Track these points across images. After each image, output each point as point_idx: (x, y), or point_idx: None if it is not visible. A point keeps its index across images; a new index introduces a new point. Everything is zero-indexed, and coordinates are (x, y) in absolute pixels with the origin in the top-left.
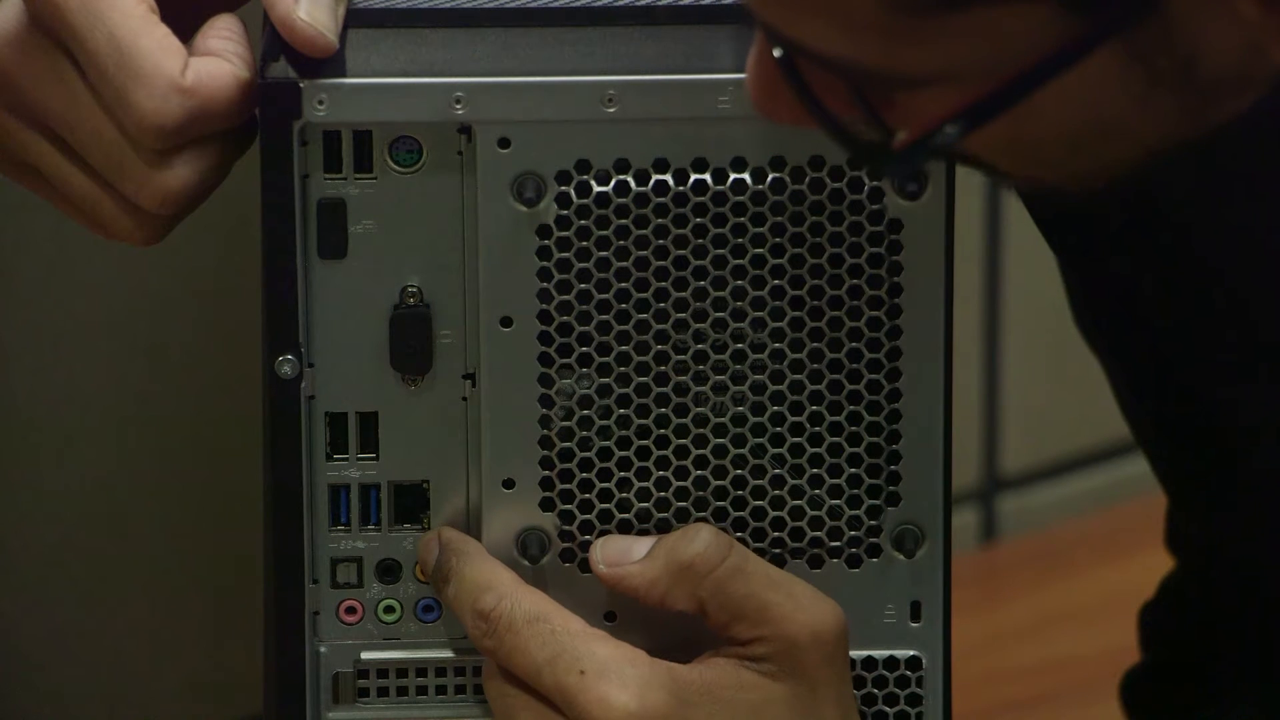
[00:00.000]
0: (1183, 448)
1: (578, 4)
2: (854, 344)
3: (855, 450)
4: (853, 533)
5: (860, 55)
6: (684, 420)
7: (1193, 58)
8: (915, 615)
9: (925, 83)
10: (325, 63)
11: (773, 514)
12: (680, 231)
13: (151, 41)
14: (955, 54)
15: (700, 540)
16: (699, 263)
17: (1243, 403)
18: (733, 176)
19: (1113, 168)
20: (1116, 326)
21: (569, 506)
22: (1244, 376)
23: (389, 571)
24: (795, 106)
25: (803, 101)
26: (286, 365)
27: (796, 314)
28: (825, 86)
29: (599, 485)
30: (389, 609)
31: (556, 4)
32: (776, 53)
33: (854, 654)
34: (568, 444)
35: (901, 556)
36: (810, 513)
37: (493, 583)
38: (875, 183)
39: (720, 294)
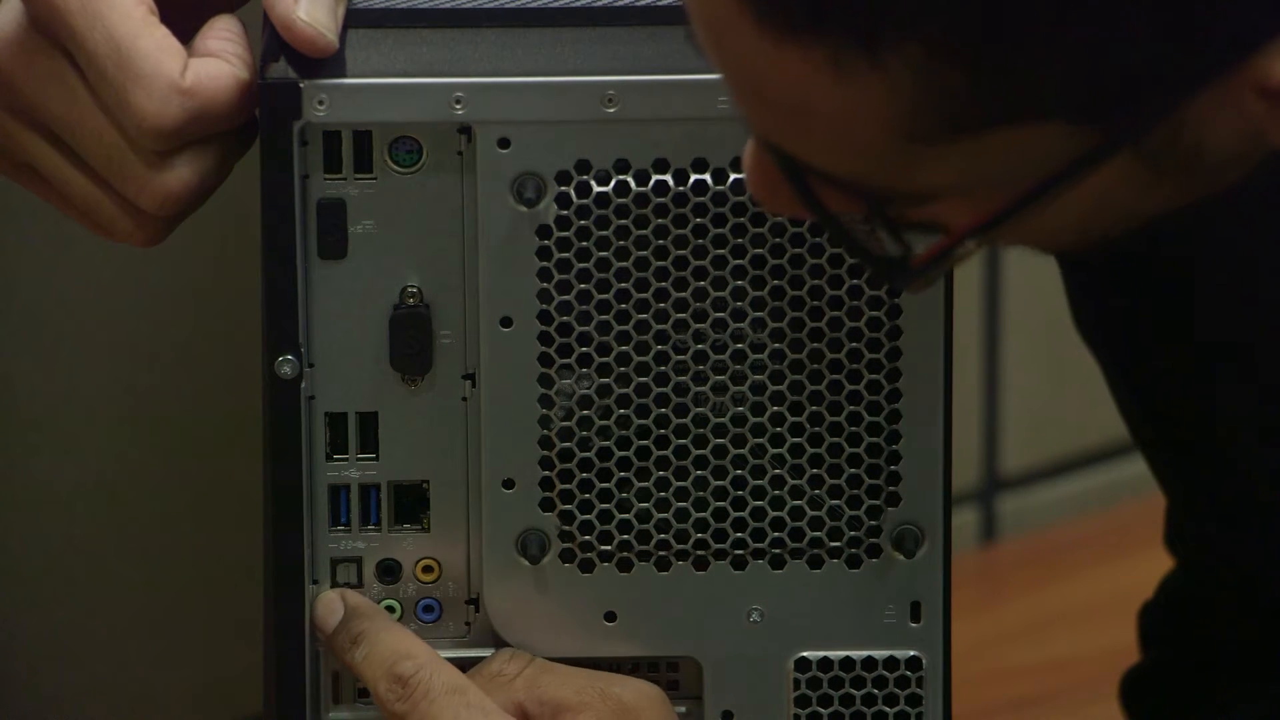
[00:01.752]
0: (1179, 449)
1: (578, 4)
2: (854, 344)
3: (855, 450)
4: (853, 533)
5: (871, 177)
6: (684, 420)
7: (1197, 150)
8: (915, 615)
9: (937, 197)
10: (325, 63)
11: (773, 514)
12: (680, 232)
13: (151, 43)
14: (970, 171)
15: (502, 654)
16: (699, 263)
17: (1234, 406)
18: (733, 176)
19: (1116, 235)
20: (1114, 330)
21: (569, 506)
22: (1239, 385)
23: (389, 571)
24: (793, 205)
25: (813, 213)
26: (286, 365)
27: (796, 314)
28: (828, 190)
29: (599, 485)
30: (389, 609)
31: (556, 4)
32: (771, 154)
33: (854, 654)
34: (568, 444)
35: (901, 556)
36: (810, 513)
37: (411, 651)
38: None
39: (720, 294)
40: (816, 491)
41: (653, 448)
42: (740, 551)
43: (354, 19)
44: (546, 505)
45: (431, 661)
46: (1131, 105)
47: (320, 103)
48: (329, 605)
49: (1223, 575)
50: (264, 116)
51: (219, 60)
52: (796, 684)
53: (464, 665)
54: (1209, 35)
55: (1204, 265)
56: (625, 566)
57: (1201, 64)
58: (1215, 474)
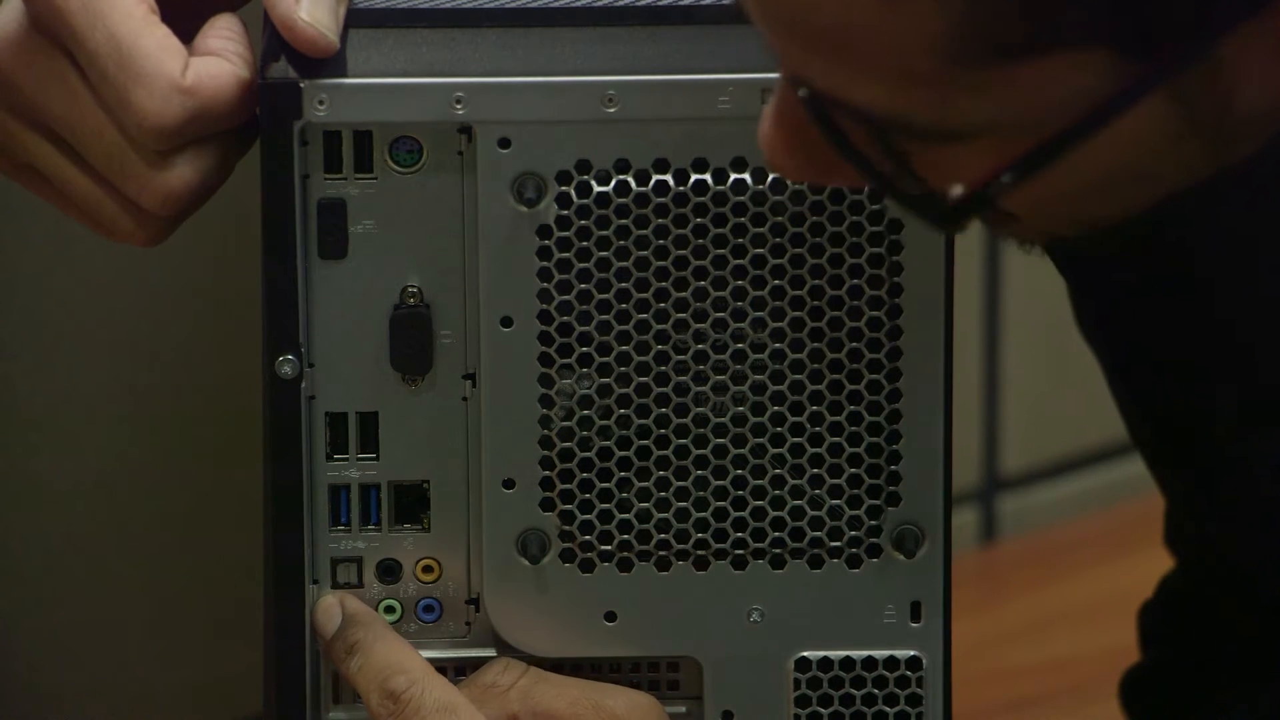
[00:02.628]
0: (1180, 449)
1: (578, 4)
2: (854, 344)
3: (855, 450)
4: (853, 533)
5: (908, 108)
6: (684, 420)
7: (1230, 96)
8: (915, 615)
9: (973, 135)
10: (326, 63)
11: (773, 514)
12: (680, 232)
13: (152, 42)
14: (1009, 104)
15: (496, 664)
16: (699, 263)
17: (1235, 404)
18: (733, 176)
19: (1131, 211)
20: (1115, 329)
21: (569, 506)
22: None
23: (389, 571)
24: (816, 163)
25: (844, 155)
26: (286, 365)
27: (796, 314)
28: (855, 139)
29: (599, 485)
30: (389, 609)
31: (556, 4)
32: (802, 93)
33: (854, 654)
34: (568, 444)
35: (901, 556)
36: (810, 513)
37: (405, 665)
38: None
39: (720, 294)
40: (816, 491)
41: (653, 448)
42: (740, 551)
43: (354, 19)
44: (547, 505)
45: (425, 677)
46: (1172, 35)
47: (321, 102)
48: (327, 611)
49: (1223, 575)
50: (264, 116)
51: (220, 59)
52: (796, 684)
53: (464, 666)
54: None
55: (1205, 263)
56: (625, 566)
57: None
58: (1215, 473)
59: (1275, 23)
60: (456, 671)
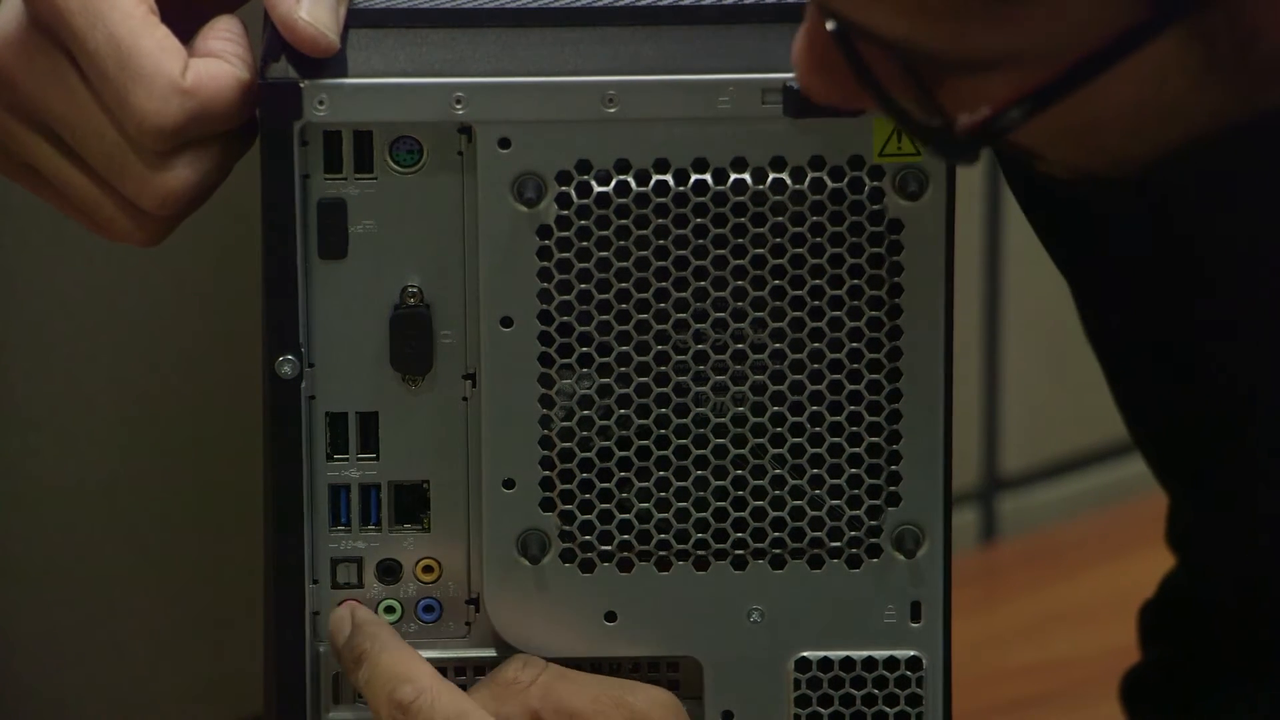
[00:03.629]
0: (1181, 449)
1: (578, 4)
2: (854, 344)
3: (855, 450)
4: (853, 533)
5: (927, 38)
6: (684, 420)
7: (1252, 37)
8: (915, 615)
9: (990, 66)
10: (326, 63)
11: (773, 514)
12: (680, 232)
13: (151, 42)
14: (1024, 36)
15: (516, 661)
16: (699, 263)
17: (1239, 404)
18: (733, 176)
19: (1155, 151)
20: (1114, 335)
21: (569, 506)
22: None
23: (389, 571)
24: (842, 87)
25: (863, 83)
26: (286, 365)
27: (797, 314)
28: (880, 66)
29: (599, 485)
30: (389, 609)
31: (556, 4)
32: (829, 25)
33: (854, 654)
34: (568, 444)
35: (901, 556)
36: (810, 513)
37: (412, 674)
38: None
39: (720, 294)
40: (816, 491)
41: (653, 448)
42: (740, 551)
43: (355, 19)
44: (547, 505)
45: (433, 685)
46: None
47: (321, 102)
48: (338, 622)
49: (1223, 574)
50: (264, 116)
51: (219, 60)
52: (796, 684)
53: (464, 666)
54: None
55: (1210, 262)
56: (625, 566)
57: None
58: (1217, 473)
59: None
60: (456, 671)
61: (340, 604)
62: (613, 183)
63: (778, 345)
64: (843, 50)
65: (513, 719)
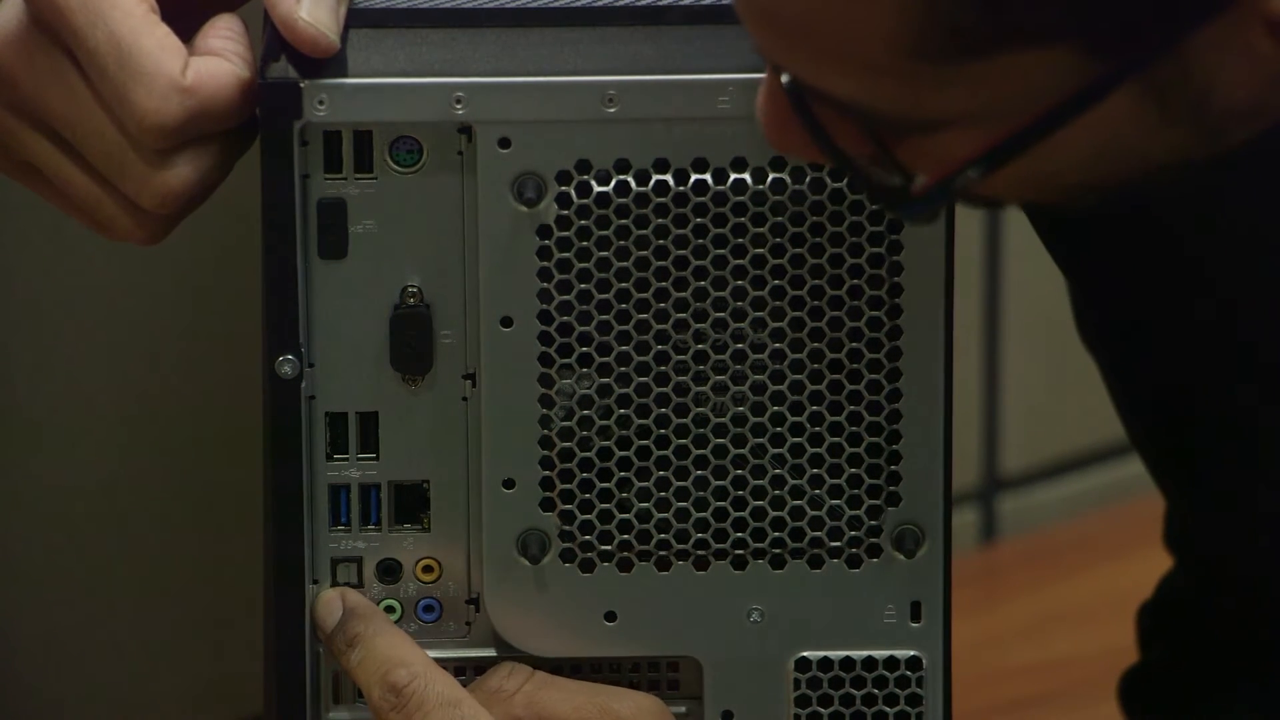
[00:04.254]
0: (1181, 450)
1: (578, 4)
2: (854, 344)
3: (855, 450)
4: (853, 533)
5: (878, 100)
6: (684, 420)
7: (1207, 92)
8: (915, 615)
9: (945, 125)
10: (326, 63)
11: (773, 514)
12: (680, 232)
13: (152, 41)
14: (976, 98)
15: (502, 669)
16: (699, 263)
17: (1237, 405)
18: (733, 176)
19: (1116, 186)
20: (1116, 334)
21: (569, 506)
22: (1236, 383)
23: (389, 571)
24: (804, 143)
25: (818, 144)
26: (286, 365)
27: (796, 314)
28: (838, 124)
29: (599, 485)
30: (389, 609)
31: (556, 4)
32: (784, 79)
33: (854, 654)
34: (568, 444)
35: (901, 556)
36: (810, 513)
37: (406, 659)
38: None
39: (720, 294)
40: (816, 491)
41: (653, 448)
42: (740, 551)
43: (355, 19)
44: (546, 505)
45: (427, 670)
46: (1136, 33)
47: (320, 102)
48: (328, 605)
49: (1222, 574)
50: (264, 116)
51: (220, 59)
52: (796, 684)
53: (464, 666)
54: None
55: (1213, 266)
56: (625, 566)
57: None
58: (1215, 473)
59: (1240, 25)
60: (457, 672)
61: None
62: (613, 183)
63: (778, 345)
64: (798, 111)
65: None
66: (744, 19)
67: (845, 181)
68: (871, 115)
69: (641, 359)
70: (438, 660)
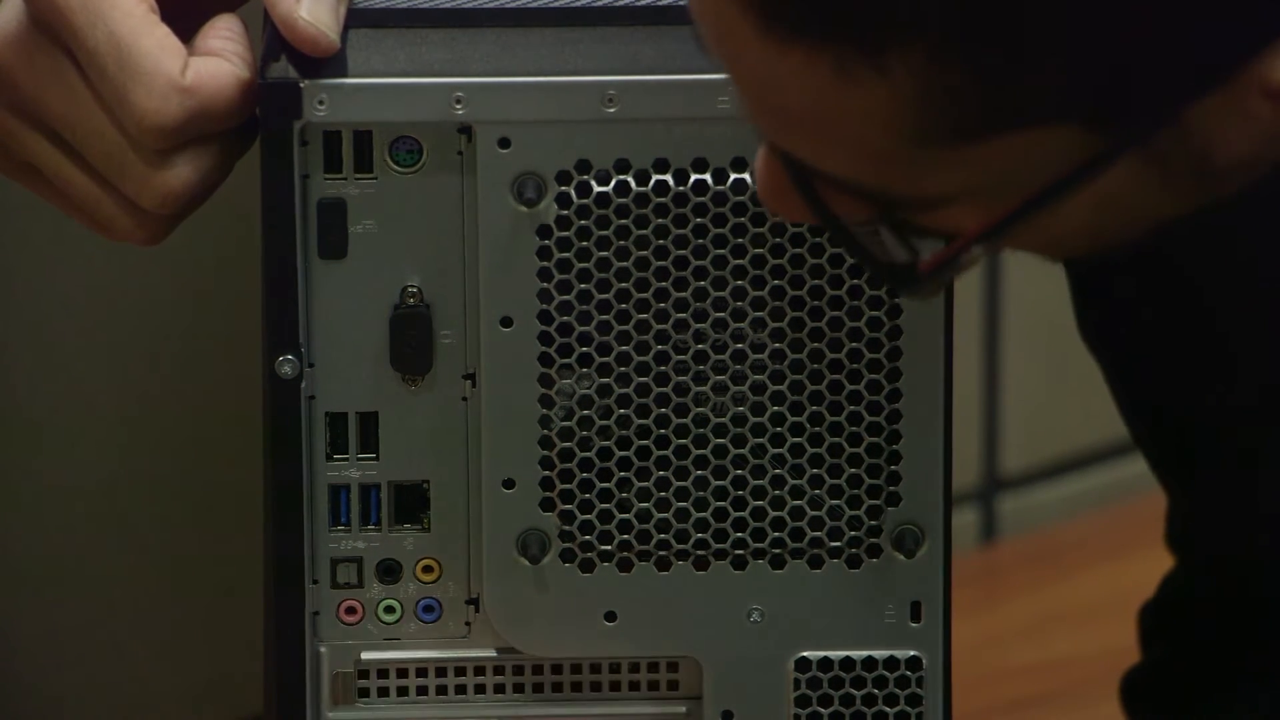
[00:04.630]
0: (1181, 452)
1: (578, 4)
2: (854, 344)
3: (855, 450)
4: (853, 533)
5: (878, 181)
6: (684, 420)
7: (1206, 154)
8: (915, 615)
9: (946, 202)
10: (326, 63)
11: (773, 514)
12: (680, 231)
13: (151, 41)
14: (976, 177)
15: None
16: (699, 263)
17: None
18: (733, 176)
19: (1120, 240)
20: (1118, 335)
21: (569, 506)
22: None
23: (389, 571)
24: (805, 214)
25: (820, 220)
26: (286, 365)
27: (796, 314)
28: (837, 201)
29: (599, 485)
30: (389, 609)
31: (556, 4)
32: (782, 158)
33: (854, 654)
34: (568, 444)
35: (901, 556)
36: (810, 513)
37: None
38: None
39: (720, 294)
40: (816, 491)
41: (653, 448)
42: (740, 551)
43: (355, 19)
44: (546, 505)
45: None
46: (1136, 110)
47: (320, 102)
48: None
49: (1223, 574)
50: (264, 116)
51: (219, 59)
52: (796, 684)
53: (464, 666)
54: (1211, 39)
55: (1209, 271)
56: (625, 566)
57: (1205, 67)
58: (1216, 472)
59: (1238, 92)
60: (457, 672)
61: None
62: (613, 183)
63: (777, 345)
64: (800, 190)
65: None
66: (741, 100)
67: (846, 260)
68: (872, 194)
69: (641, 359)
70: (438, 660)
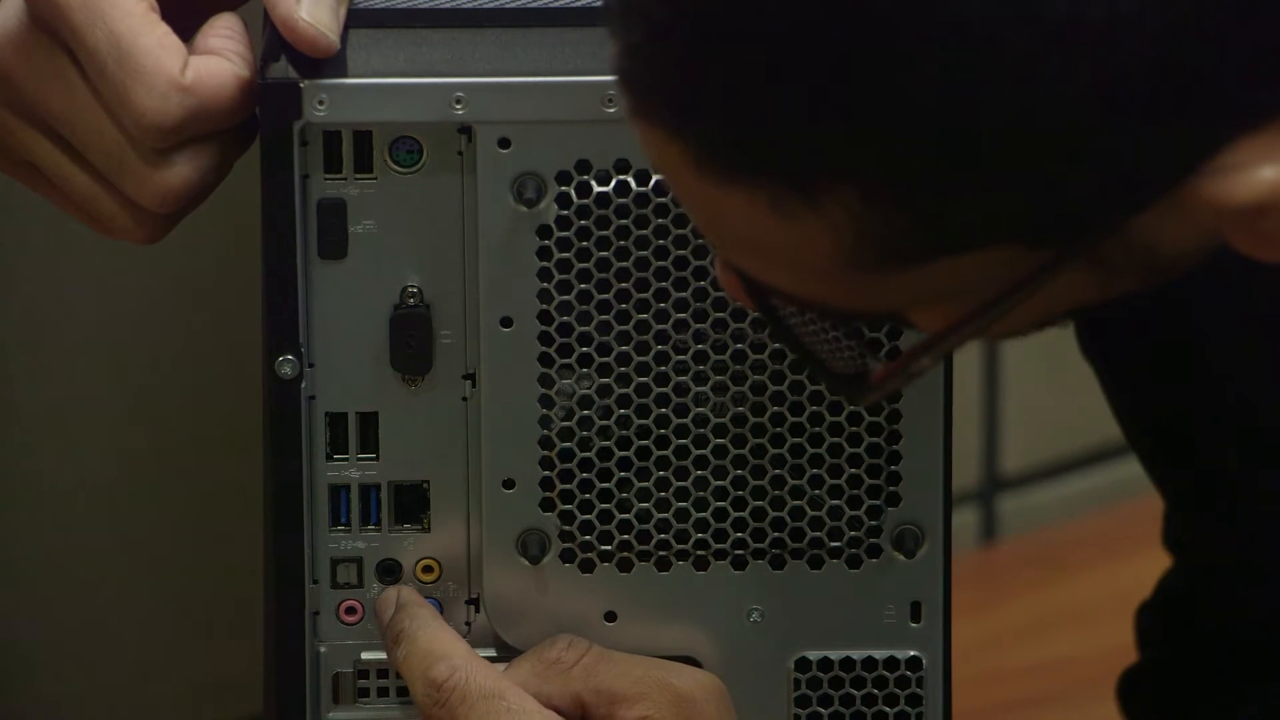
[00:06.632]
0: (1179, 455)
1: (578, 4)
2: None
3: (855, 450)
4: (853, 533)
5: (830, 299)
6: (684, 420)
7: (1152, 250)
8: (915, 615)
9: (897, 313)
10: (326, 63)
11: (772, 514)
12: (681, 232)
13: (151, 40)
14: (920, 294)
15: (560, 641)
16: (699, 263)
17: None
18: None
19: (1074, 316)
20: (1113, 344)
21: (569, 506)
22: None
23: (389, 571)
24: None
25: (775, 334)
26: (286, 365)
27: None
28: (790, 313)
29: (599, 485)
30: None
31: (556, 4)
32: (736, 272)
33: (854, 654)
34: (568, 444)
35: (901, 556)
36: (810, 513)
37: (447, 652)
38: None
39: (720, 294)
40: (816, 491)
41: (653, 448)
42: (740, 551)
43: (354, 19)
44: (546, 505)
45: (468, 664)
46: (1077, 229)
47: (320, 102)
48: (384, 602)
49: (1222, 574)
50: (264, 116)
51: (219, 58)
52: (796, 684)
53: None
54: (1147, 158)
55: (1196, 288)
56: (625, 566)
57: (1143, 185)
58: (1214, 474)
59: (1178, 199)
60: None
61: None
62: (613, 183)
63: (777, 345)
64: (755, 302)
65: (553, 699)
66: (691, 218)
67: (805, 373)
68: (822, 309)
69: (641, 359)
70: None
